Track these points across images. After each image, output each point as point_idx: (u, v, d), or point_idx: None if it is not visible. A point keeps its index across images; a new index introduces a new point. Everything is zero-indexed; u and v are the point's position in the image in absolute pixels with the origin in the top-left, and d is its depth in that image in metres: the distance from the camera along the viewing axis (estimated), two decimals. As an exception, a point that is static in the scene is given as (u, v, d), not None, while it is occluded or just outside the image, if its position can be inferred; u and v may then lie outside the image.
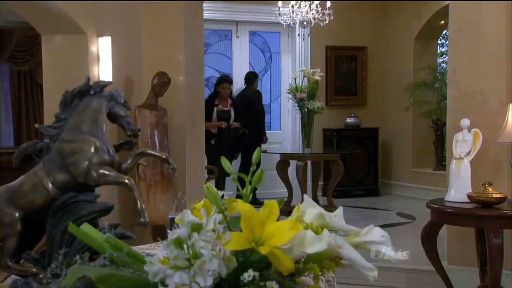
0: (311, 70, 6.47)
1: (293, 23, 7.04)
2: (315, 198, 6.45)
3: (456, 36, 4.19)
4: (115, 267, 1.15)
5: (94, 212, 1.88)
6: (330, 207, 6.04)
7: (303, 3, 6.95)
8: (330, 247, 1.00)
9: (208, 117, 6.53)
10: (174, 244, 0.99)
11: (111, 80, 4.08)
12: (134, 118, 4.42)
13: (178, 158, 4.54)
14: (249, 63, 8.23)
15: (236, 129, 6.87)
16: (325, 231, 1.02)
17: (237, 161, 7.13)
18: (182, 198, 2.59)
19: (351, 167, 7.82)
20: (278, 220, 1.04)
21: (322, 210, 1.09)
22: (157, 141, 4.66)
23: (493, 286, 3.38)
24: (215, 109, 6.96)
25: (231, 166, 1.20)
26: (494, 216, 3.36)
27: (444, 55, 8.30)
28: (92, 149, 1.92)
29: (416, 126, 7.93)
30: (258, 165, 1.12)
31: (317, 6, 6.92)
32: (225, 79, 7.18)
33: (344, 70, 8.39)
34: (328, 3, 6.87)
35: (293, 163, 6.81)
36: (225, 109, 7.06)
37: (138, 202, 1.92)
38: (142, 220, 1.92)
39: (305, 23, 6.97)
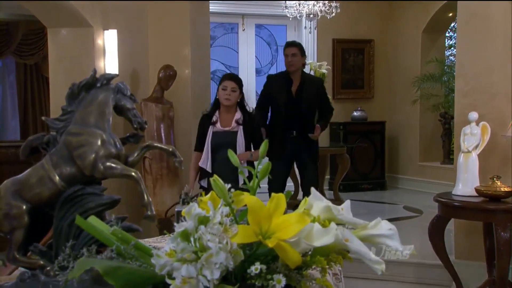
0: (318, 63, 6.44)
1: (300, 16, 7.00)
2: (321, 192, 6.41)
3: (464, 29, 4.15)
4: (122, 259, 1.15)
5: (101, 205, 1.88)
6: (337, 201, 6.03)
7: (309, -4, 6.91)
8: (338, 240, 1.00)
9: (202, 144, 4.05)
10: (181, 237, 0.99)
11: (117, 73, 4.08)
12: (140, 111, 4.42)
13: (184, 151, 4.55)
14: (255, 56, 8.21)
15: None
16: (332, 224, 1.02)
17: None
18: (189, 191, 2.59)
19: (357, 160, 7.80)
20: (285, 213, 1.04)
21: (329, 203, 1.08)
22: (163, 134, 4.66)
23: (500, 280, 3.37)
24: (210, 128, 3.99)
25: (238, 159, 1.19)
26: (502, 210, 3.34)
27: (452, 48, 8.24)
28: (99, 142, 1.92)
29: (423, 119, 7.89)
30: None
31: (323, -1, 6.89)
32: (227, 76, 4.19)
33: (351, 63, 8.36)
34: (335, -4, 6.84)
35: (299, 157, 6.76)
36: (226, 129, 3.99)
37: (145, 195, 1.92)
38: (148, 213, 1.92)
39: (311, 16, 6.93)
